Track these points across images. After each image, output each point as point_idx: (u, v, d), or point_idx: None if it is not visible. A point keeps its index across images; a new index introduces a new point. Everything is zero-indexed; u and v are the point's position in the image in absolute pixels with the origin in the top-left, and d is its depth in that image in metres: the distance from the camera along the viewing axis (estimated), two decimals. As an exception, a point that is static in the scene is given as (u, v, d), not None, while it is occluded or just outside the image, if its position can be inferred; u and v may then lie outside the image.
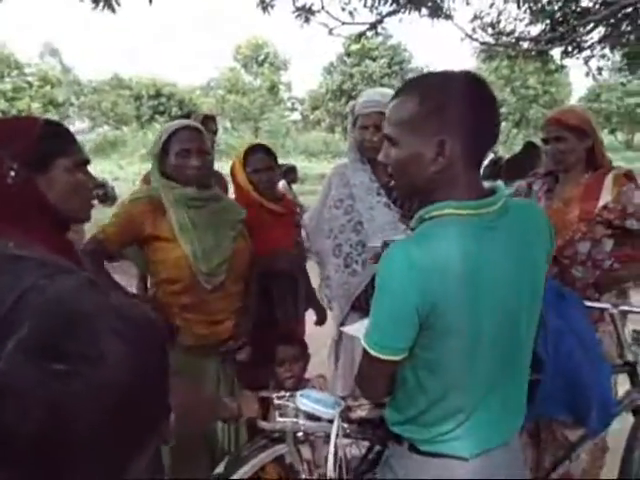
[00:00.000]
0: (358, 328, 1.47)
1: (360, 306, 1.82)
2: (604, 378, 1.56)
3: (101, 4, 5.59)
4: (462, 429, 1.03)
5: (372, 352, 0.99)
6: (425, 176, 0.97)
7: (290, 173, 7.35)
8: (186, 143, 1.71)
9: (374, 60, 31.62)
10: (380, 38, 28.16)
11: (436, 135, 0.94)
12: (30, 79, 30.45)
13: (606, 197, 1.83)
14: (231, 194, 2.24)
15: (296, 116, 37.99)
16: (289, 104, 38.41)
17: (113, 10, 5.68)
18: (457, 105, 0.93)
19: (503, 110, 29.88)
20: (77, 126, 35.75)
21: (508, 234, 0.98)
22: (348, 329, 1.50)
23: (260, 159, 2.04)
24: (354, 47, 25.85)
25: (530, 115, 30.20)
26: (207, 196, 1.78)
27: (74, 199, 1.16)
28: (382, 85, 32.17)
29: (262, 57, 35.33)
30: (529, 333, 1.07)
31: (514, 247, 0.99)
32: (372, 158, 1.78)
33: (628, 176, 1.87)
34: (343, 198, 1.90)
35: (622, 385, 1.82)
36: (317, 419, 1.34)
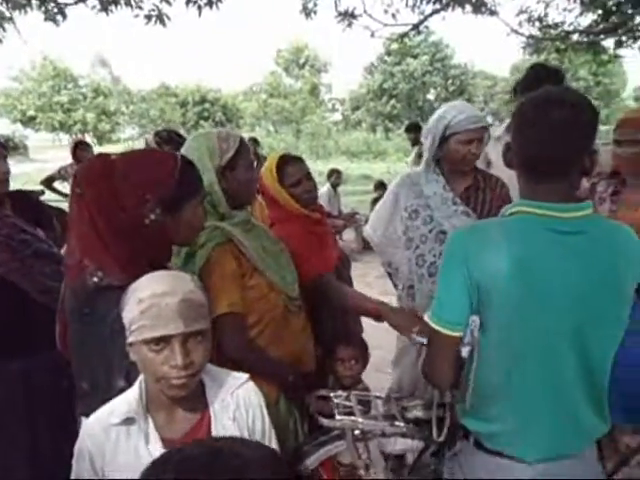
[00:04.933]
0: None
1: None
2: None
3: (153, 19, 5.88)
4: (526, 432, 1.06)
5: (432, 324, 1.10)
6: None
7: (334, 176, 7.41)
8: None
9: (415, 58, 31.23)
10: (421, 35, 27.82)
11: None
12: (84, 91, 32.04)
13: None
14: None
15: (337, 117, 38.08)
16: (330, 105, 38.54)
17: (164, 24, 5.95)
18: (523, 124, 1.05)
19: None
20: (127, 133, 37.30)
21: (586, 246, 1.01)
22: (417, 336, 1.54)
23: (298, 168, 1.83)
24: (395, 46, 25.64)
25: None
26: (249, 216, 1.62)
27: (193, 232, 1.23)
28: (423, 83, 31.71)
29: (302, 60, 35.60)
30: (602, 352, 1.07)
31: (589, 261, 1.01)
32: (450, 170, 1.91)
33: None
34: (418, 209, 1.93)
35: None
36: (374, 417, 1.39)
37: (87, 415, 1.03)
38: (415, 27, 6.78)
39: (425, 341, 1.16)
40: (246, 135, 1.75)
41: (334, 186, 7.36)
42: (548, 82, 2.02)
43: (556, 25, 7.96)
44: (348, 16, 6.19)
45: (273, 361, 1.50)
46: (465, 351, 1.09)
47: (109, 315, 1.06)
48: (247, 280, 1.48)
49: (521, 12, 7.94)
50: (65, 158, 5.51)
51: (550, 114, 0.98)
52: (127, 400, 0.99)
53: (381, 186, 7.34)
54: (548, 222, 1.00)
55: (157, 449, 0.96)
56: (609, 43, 8.44)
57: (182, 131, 2.82)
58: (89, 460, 0.97)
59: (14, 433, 1.68)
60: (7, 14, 5.88)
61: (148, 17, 5.80)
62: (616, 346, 1.09)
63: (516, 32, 7.70)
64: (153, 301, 0.92)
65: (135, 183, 1.12)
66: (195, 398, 1.02)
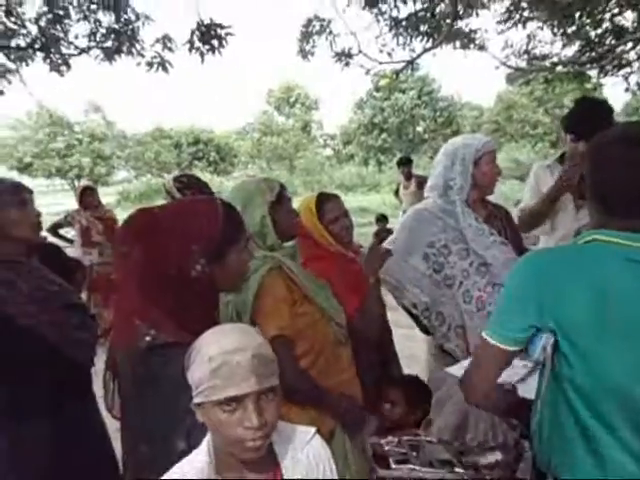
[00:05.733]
0: (460, 368, 1.49)
1: None
2: None
3: (155, 66, 6.03)
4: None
5: (486, 337, 1.10)
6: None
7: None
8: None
9: (403, 92, 32.03)
10: (409, 71, 28.63)
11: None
12: (80, 136, 32.41)
13: None
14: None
15: (329, 152, 38.67)
16: (322, 141, 39.18)
17: (166, 71, 6.10)
18: (601, 161, 1.08)
19: (538, 131, 29.46)
20: (122, 176, 37.59)
21: None
22: (452, 369, 1.51)
23: (337, 206, 1.87)
24: (383, 82, 26.38)
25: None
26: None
27: (240, 277, 1.22)
28: (412, 116, 32.42)
29: (293, 98, 36.43)
30: None
31: None
32: (476, 199, 1.95)
33: None
34: (448, 244, 1.89)
35: None
36: (431, 464, 1.35)
37: (146, 477, 0.99)
38: (409, 63, 6.99)
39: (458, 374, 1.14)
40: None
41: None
42: (600, 116, 2.03)
43: (543, 57, 8.24)
44: (345, 56, 6.38)
45: (326, 390, 1.47)
46: (522, 373, 1.08)
47: (165, 374, 1.04)
48: (297, 307, 1.49)
49: (506, 46, 8.23)
50: (61, 203, 5.47)
51: (629, 152, 1.02)
52: (197, 466, 0.94)
53: (383, 219, 7.37)
54: (626, 252, 1.01)
55: None
56: (593, 72, 8.74)
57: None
58: None
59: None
60: (12, 66, 6.02)
61: (150, 64, 5.95)
62: None
63: (505, 65, 7.95)
64: (224, 359, 0.88)
65: (180, 236, 1.11)
66: (265, 457, 0.97)
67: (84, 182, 5.87)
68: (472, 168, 1.86)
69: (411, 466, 1.37)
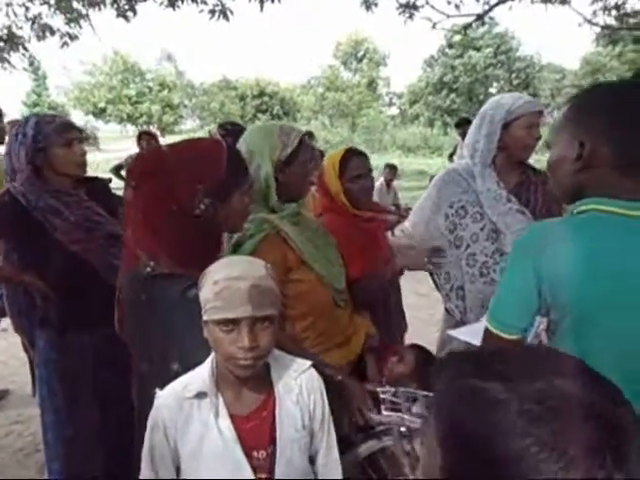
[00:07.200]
0: (467, 332, 1.48)
1: None
2: None
3: (217, 14, 6.04)
4: None
5: (490, 327, 1.06)
6: (569, 175, 1.03)
7: (390, 171, 7.33)
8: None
9: (478, 50, 30.21)
10: (485, 27, 26.81)
11: (576, 138, 1.00)
12: (150, 84, 33.48)
13: None
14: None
15: (394, 111, 37.58)
16: (387, 99, 38.12)
17: (227, 19, 6.10)
18: (601, 112, 0.98)
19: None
20: (189, 125, 38.66)
21: None
22: (456, 332, 1.51)
23: (361, 164, 1.82)
24: (457, 38, 24.90)
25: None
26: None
27: (241, 220, 1.26)
28: (486, 76, 30.62)
29: (361, 53, 35.37)
30: None
31: None
32: (503, 163, 1.82)
33: None
34: (466, 205, 1.83)
35: None
36: (421, 416, 1.37)
37: (147, 393, 1.09)
38: (479, 18, 6.54)
39: (469, 339, 1.13)
40: (302, 128, 1.71)
41: (388, 181, 7.28)
42: None
43: (635, 13, 7.42)
44: (409, 8, 6.07)
45: (314, 356, 1.44)
46: None
47: (163, 302, 1.12)
48: (293, 273, 1.49)
49: (594, 0, 7.47)
50: (130, 149, 5.80)
51: None
52: (200, 376, 1.05)
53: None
54: (623, 220, 0.95)
55: (225, 423, 1.02)
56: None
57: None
58: (163, 429, 1.03)
59: (85, 402, 1.80)
60: (83, 11, 6.25)
61: (212, 12, 5.97)
62: None
63: (589, 22, 7.26)
64: (226, 284, 0.97)
65: (187, 175, 1.15)
66: (261, 379, 1.07)
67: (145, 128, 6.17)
68: (500, 131, 1.76)
69: (400, 414, 1.40)
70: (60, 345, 1.81)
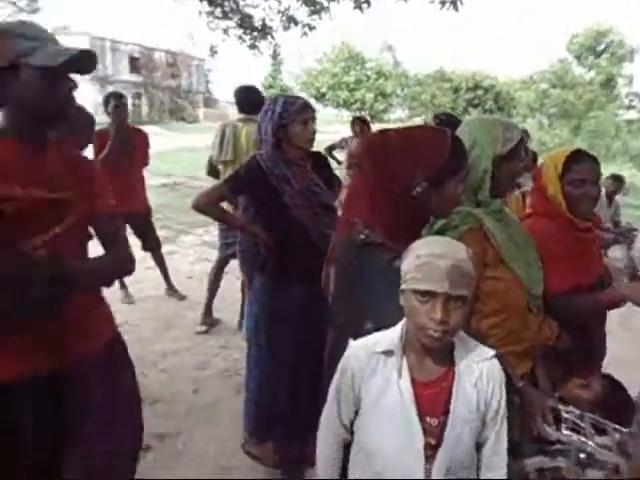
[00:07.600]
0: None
1: None
2: None
3: (447, 5, 6.04)
4: None
5: None
6: None
7: (614, 182, 6.39)
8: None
9: None
10: None
11: None
12: (369, 73, 35.09)
13: None
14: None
15: (632, 115, 32.07)
16: (626, 101, 32.72)
17: (457, 9, 6.05)
18: None
19: None
20: (397, 114, 39.40)
21: None
22: None
23: (588, 169, 1.68)
24: None
25: None
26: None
27: (452, 206, 1.33)
28: None
29: (602, 47, 30.98)
30: None
31: None
32: None
33: None
34: None
35: None
36: (608, 448, 1.25)
37: (340, 341, 1.25)
38: None
39: None
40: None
41: (610, 194, 6.37)
42: None
43: None
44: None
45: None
46: None
47: (371, 267, 1.25)
48: (489, 270, 1.47)
49: None
50: (342, 132, 6.25)
51: None
52: (391, 336, 1.16)
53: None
54: None
55: (406, 384, 1.11)
56: None
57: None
58: (350, 376, 1.17)
59: (284, 344, 2.08)
60: (325, 4, 6.89)
61: (442, 2, 5.98)
62: None
63: None
64: (428, 259, 1.05)
65: (408, 159, 1.24)
66: (444, 354, 1.13)
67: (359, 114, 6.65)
68: None
69: (585, 439, 1.29)
70: (272, 290, 2.14)
